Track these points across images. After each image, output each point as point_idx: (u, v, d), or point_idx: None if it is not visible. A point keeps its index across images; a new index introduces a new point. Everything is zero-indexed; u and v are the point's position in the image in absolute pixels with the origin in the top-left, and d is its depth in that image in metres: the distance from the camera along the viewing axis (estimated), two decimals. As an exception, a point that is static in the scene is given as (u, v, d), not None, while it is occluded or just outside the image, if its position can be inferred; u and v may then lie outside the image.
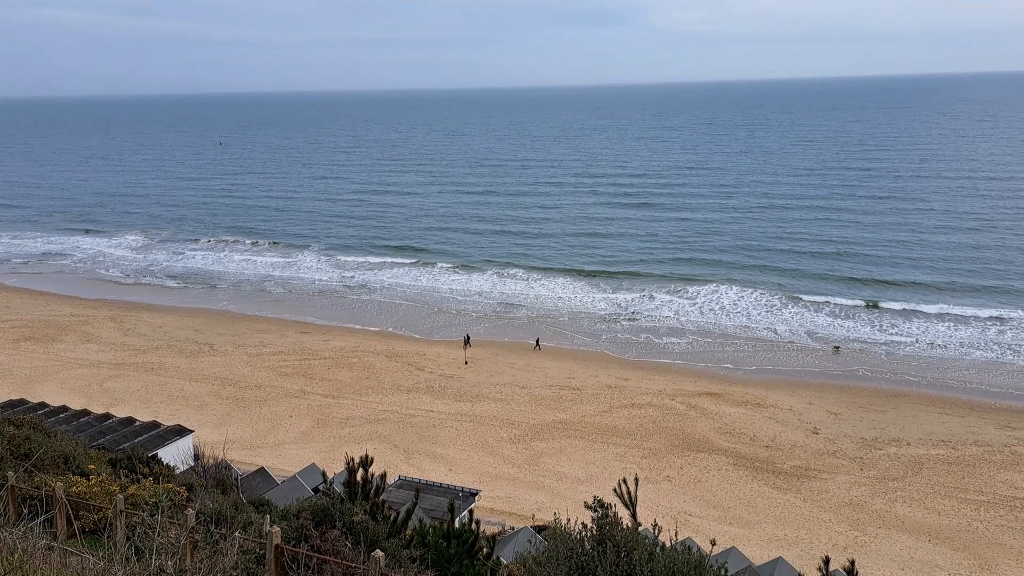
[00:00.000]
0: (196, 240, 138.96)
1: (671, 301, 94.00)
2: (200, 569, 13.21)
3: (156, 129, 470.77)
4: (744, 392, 65.97)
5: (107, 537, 17.27)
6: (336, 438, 58.17)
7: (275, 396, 66.73)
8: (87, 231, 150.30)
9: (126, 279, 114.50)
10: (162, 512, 15.24)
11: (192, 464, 43.92)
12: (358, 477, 20.82)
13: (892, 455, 54.36)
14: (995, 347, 75.64)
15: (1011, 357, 73.28)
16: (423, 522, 21.23)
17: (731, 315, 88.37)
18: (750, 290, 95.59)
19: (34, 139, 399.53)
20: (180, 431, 48.55)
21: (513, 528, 41.54)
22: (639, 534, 13.96)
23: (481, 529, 21.25)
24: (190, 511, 15.33)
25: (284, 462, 52.87)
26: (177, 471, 35.99)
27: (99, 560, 13.46)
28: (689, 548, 14.59)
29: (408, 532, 20.22)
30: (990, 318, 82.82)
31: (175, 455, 44.21)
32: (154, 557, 13.26)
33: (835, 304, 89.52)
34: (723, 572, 14.31)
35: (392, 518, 19.98)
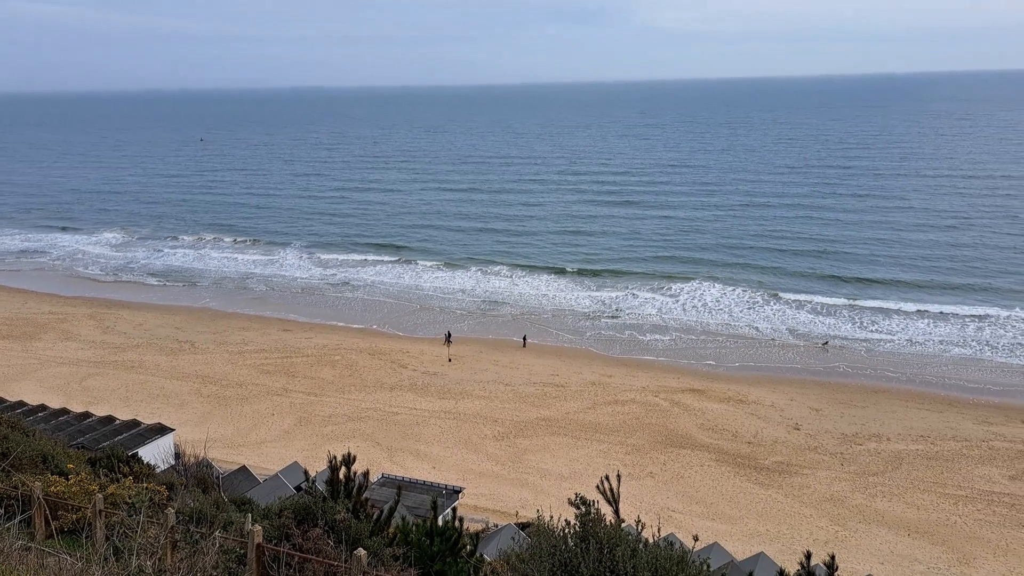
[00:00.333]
0: (176, 237, 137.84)
1: (654, 299, 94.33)
2: (180, 569, 13.09)
3: (136, 125, 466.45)
4: (726, 388, 66.34)
5: (86, 537, 17.09)
6: (319, 436, 57.94)
7: (257, 394, 66.35)
8: (65, 228, 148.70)
9: (105, 277, 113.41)
10: (141, 512, 15.09)
11: (173, 463, 43.60)
12: (340, 475, 20.70)
13: (872, 450, 54.85)
14: (973, 344, 76.50)
15: (989, 354, 74.14)
16: (406, 520, 21.15)
17: (713, 312, 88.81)
18: (732, 288, 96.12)
19: (10, 135, 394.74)
20: (161, 430, 48.23)
21: (497, 525, 41.57)
22: (622, 530, 13.98)
23: (465, 526, 21.21)
24: (170, 510, 15.19)
25: (266, 460, 52.60)
26: (158, 470, 35.72)
27: (77, 560, 13.31)
28: (672, 544, 14.63)
29: (391, 530, 20.14)
30: (968, 315, 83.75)
31: (156, 454, 43.92)
32: (133, 557, 13.12)
33: (816, 301, 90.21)
34: (705, 567, 14.36)
35: (375, 516, 19.89)
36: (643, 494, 48.65)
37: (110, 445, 39.69)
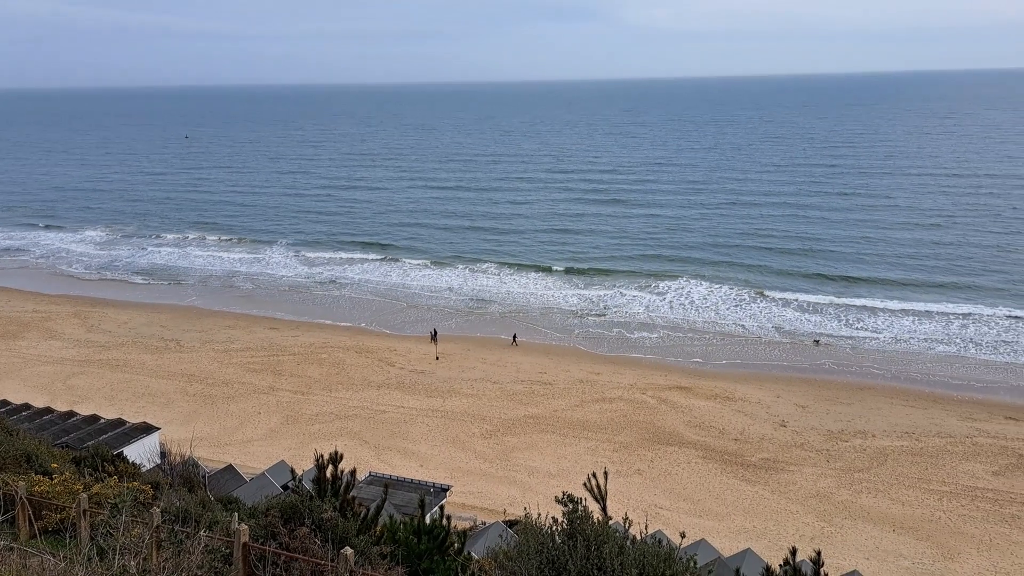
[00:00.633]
0: (161, 235, 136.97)
1: (641, 297, 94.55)
2: (165, 568, 12.99)
3: (120, 122, 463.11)
4: (713, 386, 66.58)
5: (70, 537, 16.95)
6: (305, 435, 57.73)
7: (243, 393, 66.04)
8: (47, 226, 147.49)
9: (89, 275, 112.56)
10: (125, 511, 14.96)
11: (158, 462, 43.29)
12: (327, 474, 20.64)
13: (858, 447, 55.20)
14: (958, 341, 77.09)
15: (973, 351, 74.74)
16: (394, 518, 21.12)
17: (700, 310, 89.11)
18: (719, 286, 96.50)
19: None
20: (146, 429, 47.92)
21: (484, 523, 41.55)
22: (609, 528, 13.98)
23: (452, 524, 21.20)
24: (155, 510, 15.07)
25: (253, 459, 52.37)
26: (143, 469, 35.46)
27: (60, 560, 13.19)
28: (659, 541, 14.65)
29: (378, 528, 20.10)
30: (953, 313, 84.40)
31: (141, 453, 43.64)
32: (117, 557, 13.01)
33: (802, 299, 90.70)
34: (692, 564, 14.38)
35: (362, 515, 19.84)
36: (631, 491, 48.77)
37: (95, 444, 39.38)
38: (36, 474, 23.76)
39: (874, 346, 76.75)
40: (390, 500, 35.03)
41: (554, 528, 13.88)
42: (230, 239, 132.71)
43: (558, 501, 14.41)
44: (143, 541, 13.79)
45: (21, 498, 18.01)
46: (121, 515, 14.82)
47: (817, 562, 19.67)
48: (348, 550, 13.30)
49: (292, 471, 26.37)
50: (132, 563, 12.87)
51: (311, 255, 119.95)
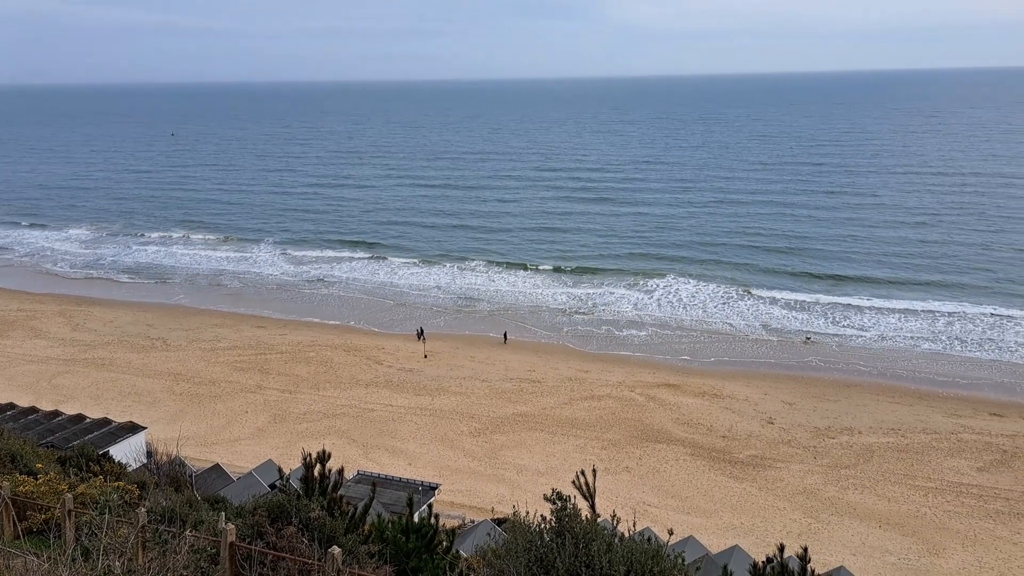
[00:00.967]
0: (147, 234, 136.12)
1: (630, 295, 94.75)
2: (150, 568, 12.90)
3: (105, 120, 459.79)
4: (701, 383, 66.79)
5: (55, 537, 16.82)
6: (293, 433, 57.54)
7: (230, 391, 65.74)
8: (31, 224, 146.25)
9: (74, 273, 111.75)
10: (110, 511, 14.85)
11: (145, 461, 43.05)
12: (315, 473, 20.57)
13: (844, 443, 55.51)
14: (943, 338, 77.64)
15: (959, 348, 75.30)
16: (382, 517, 21.08)
17: (688, 308, 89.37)
18: (707, 284, 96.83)
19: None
20: (132, 428, 47.63)
21: (473, 521, 41.53)
22: (598, 525, 13.99)
23: (441, 523, 21.17)
24: (141, 509, 14.97)
25: (240, 458, 52.15)
26: (129, 469, 35.26)
27: (44, 561, 13.08)
28: (647, 538, 14.67)
29: (366, 527, 20.04)
30: (938, 311, 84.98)
31: (127, 452, 43.37)
32: (102, 557, 12.91)
33: (789, 297, 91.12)
34: (680, 561, 14.41)
35: (350, 513, 19.78)
36: (619, 489, 48.87)
37: (80, 444, 39.14)
38: (21, 474, 23.58)
39: (860, 343, 77.20)
40: (378, 499, 34.96)
41: (542, 526, 13.87)
42: (217, 237, 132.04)
43: (547, 499, 14.41)
44: (128, 541, 13.69)
45: (5, 498, 17.85)
46: (106, 515, 14.71)
47: (804, 558, 19.76)
48: (336, 549, 13.25)
49: (279, 470, 26.23)
50: (117, 563, 12.77)
51: (298, 253, 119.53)
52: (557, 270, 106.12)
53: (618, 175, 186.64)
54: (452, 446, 55.73)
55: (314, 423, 59.53)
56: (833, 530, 45.05)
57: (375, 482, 34.69)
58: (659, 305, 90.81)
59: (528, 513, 14.55)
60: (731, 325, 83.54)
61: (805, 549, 20.22)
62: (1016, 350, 74.17)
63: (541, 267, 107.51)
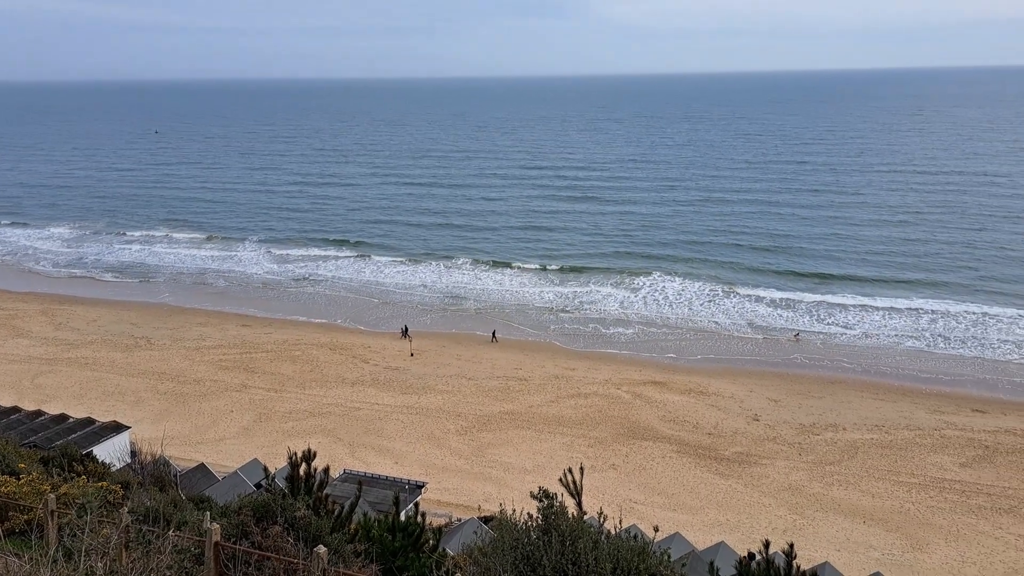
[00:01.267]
0: (130, 232, 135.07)
1: (616, 293, 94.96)
2: (134, 569, 12.79)
3: (88, 117, 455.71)
4: (687, 380, 67.03)
5: (38, 538, 16.63)
6: (279, 432, 57.29)
7: (215, 390, 65.37)
8: (13, 223, 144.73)
9: (57, 272, 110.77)
10: (91, 511, 14.71)
11: (129, 461, 42.71)
12: (301, 472, 20.48)
13: (829, 440, 55.87)
14: (927, 335, 78.28)
15: (942, 345, 75.96)
16: (368, 516, 21.01)
17: (674, 306, 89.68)
18: (692, 282, 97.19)
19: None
20: (116, 428, 47.29)
21: (460, 520, 41.50)
22: (584, 523, 14.00)
23: (427, 521, 21.12)
24: (124, 510, 14.85)
25: (225, 458, 51.88)
26: (113, 469, 34.96)
27: (25, 563, 12.93)
28: (634, 535, 14.70)
29: (353, 526, 19.97)
30: (921, 309, 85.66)
31: (111, 452, 43.03)
32: (84, 558, 12.78)
33: (774, 295, 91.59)
34: (666, 558, 14.44)
35: (336, 512, 19.71)
36: (606, 486, 48.97)
37: (63, 444, 38.78)
38: (2, 474, 23.32)
39: (845, 341, 77.71)
40: (364, 497, 34.88)
41: (529, 524, 13.86)
42: (201, 236, 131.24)
43: (533, 497, 14.41)
44: (111, 542, 13.57)
45: (-14, 499, 17.65)
46: (89, 515, 14.57)
47: (789, 554, 19.85)
48: (321, 548, 13.19)
49: (265, 469, 26.10)
50: (99, 564, 12.65)
51: (283, 252, 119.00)
52: (543, 268, 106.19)
53: (604, 173, 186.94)
54: (439, 444, 55.66)
55: (300, 422, 59.30)
56: (818, 526, 45.34)
57: (361, 481, 34.59)
58: (645, 303, 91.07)
59: (515, 511, 14.54)
60: (716, 323, 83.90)
61: (791, 545, 20.31)
62: (998, 347, 74.91)
63: (527, 265, 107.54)
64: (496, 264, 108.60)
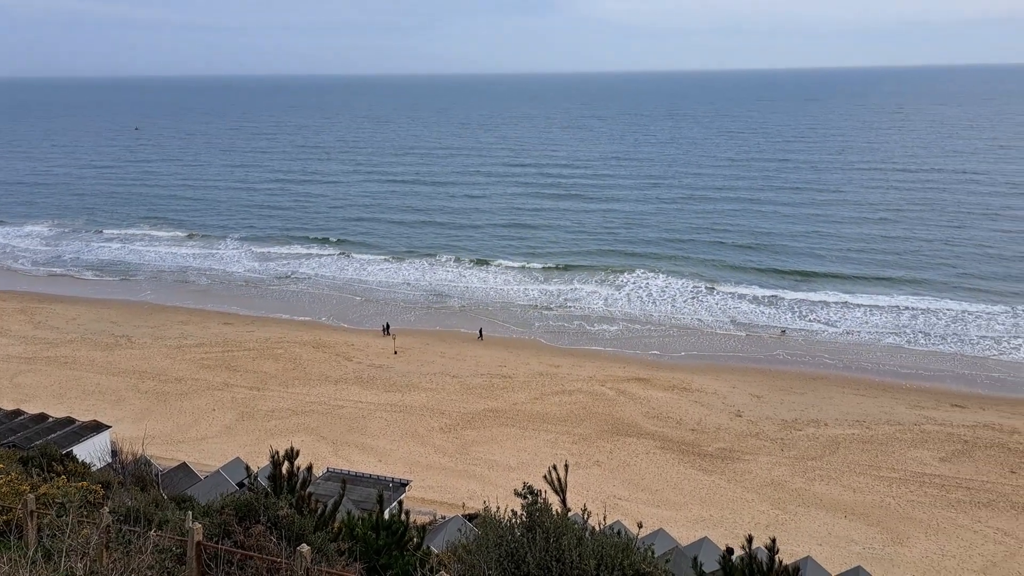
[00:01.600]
0: (110, 230, 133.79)
1: (600, 290, 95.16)
2: (115, 569, 12.67)
3: (67, 113, 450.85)
4: (671, 377, 67.29)
5: (17, 539, 16.46)
6: (262, 431, 56.98)
7: (197, 389, 64.92)
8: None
9: (36, 270, 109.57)
10: (71, 511, 14.56)
11: (109, 461, 42.36)
12: (283, 470, 20.38)
13: (811, 435, 56.28)
14: (907, 332, 79.03)
15: (922, 341, 76.70)
16: (352, 514, 20.92)
17: (658, 303, 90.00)
18: (676, 279, 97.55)
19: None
20: (96, 427, 46.86)
21: (444, 517, 41.45)
22: (569, 519, 14.02)
23: (412, 519, 21.07)
24: (104, 510, 14.71)
25: (207, 457, 51.54)
26: (93, 469, 34.64)
27: (4, 563, 12.79)
28: (618, 532, 14.74)
29: (336, 525, 19.90)
30: (902, 306, 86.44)
31: (91, 452, 42.64)
32: (64, 559, 12.66)
33: (756, 292, 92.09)
34: (650, 554, 14.50)
35: (319, 511, 19.63)
36: (590, 483, 49.08)
37: (43, 443, 38.37)
38: (-20, 475, 23.02)
39: (826, 337, 78.30)
40: (348, 496, 34.74)
41: (513, 521, 13.87)
42: (182, 234, 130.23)
43: (517, 494, 14.41)
44: (91, 542, 13.44)
45: (-37, 500, 17.43)
46: (69, 516, 14.43)
47: (772, 549, 19.96)
48: (304, 547, 13.13)
49: (247, 468, 25.96)
50: (80, 565, 12.52)
51: (265, 250, 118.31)
52: (527, 266, 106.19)
53: (587, 171, 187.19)
54: (423, 442, 55.57)
55: (283, 420, 59.00)
56: (800, 521, 45.67)
57: (345, 479, 34.44)
58: (629, 300, 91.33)
59: (499, 508, 14.54)
60: (700, 320, 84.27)
61: (773, 540, 20.41)
62: (977, 343, 75.75)
63: (511, 263, 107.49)
64: (480, 262, 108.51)
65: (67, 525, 13.74)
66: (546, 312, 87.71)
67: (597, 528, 15.05)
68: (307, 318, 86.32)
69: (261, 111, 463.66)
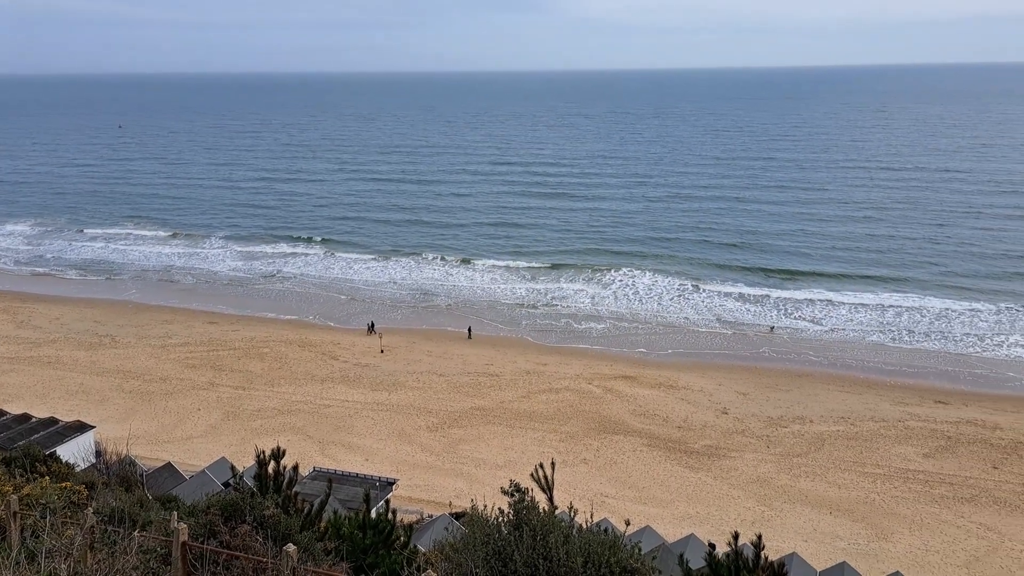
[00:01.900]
0: (93, 229, 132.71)
1: (587, 289, 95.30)
2: (99, 570, 12.57)
3: (50, 111, 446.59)
4: (658, 374, 67.48)
5: (0, 540, 16.28)
6: (247, 431, 56.70)
7: (182, 389, 64.53)
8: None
9: (18, 270, 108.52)
10: (54, 512, 14.44)
11: (94, 461, 42.05)
12: (269, 470, 20.30)
13: (796, 432, 56.60)
14: (891, 329, 79.61)
15: (906, 338, 77.29)
16: (338, 513, 20.86)
17: (644, 301, 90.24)
18: (662, 277, 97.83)
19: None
20: (80, 427, 46.52)
21: (431, 516, 41.42)
22: (555, 517, 14.03)
23: (398, 518, 21.04)
24: (89, 510, 14.59)
25: (192, 457, 51.24)
26: (77, 469, 34.37)
27: (-14, 565, 12.66)
28: (605, 529, 14.76)
29: (323, 524, 19.83)
30: (886, 304, 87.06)
31: (75, 452, 42.35)
32: (47, 560, 12.54)
33: (742, 290, 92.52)
34: (637, 551, 14.53)
35: (306, 511, 19.56)
36: (577, 480, 49.15)
37: (26, 444, 38.04)
38: (-39, 476, 22.80)
39: (812, 335, 78.76)
40: (335, 495, 34.63)
41: (500, 519, 13.87)
42: (166, 233, 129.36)
43: (504, 492, 14.41)
44: (75, 543, 13.33)
45: (-56, 502, 17.23)
46: (52, 516, 14.30)
47: (758, 545, 20.07)
48: (291, 547, 13.07)
49: (233, 468, 25.83)
50: (63, 566, 12.42)
51: (250, 249, 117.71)
52: (514, 265, 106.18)
53: (574, 169, 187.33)
54: (409, 441, 55.48)
55: (268, 420, 58.75)
56: (786, 517, 45.93)
57: (331, 479, 34.34)
58: (616, 298, 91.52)
59: (486, 506, 14.54)
60: (686, 318, 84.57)
61: (759, 536, 20.52)
62: (960, 340, 76.42)
63: (498, 262, 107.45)
64: (466, 260, 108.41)
65: (51, 526, 13.62)
66: (533, 310, 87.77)
67: (584, 526, 15.07)
68: (293, 317, 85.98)
69: (245, 108, 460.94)
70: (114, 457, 41.66)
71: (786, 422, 58.27)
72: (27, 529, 15.82)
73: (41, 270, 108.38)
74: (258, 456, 20.33)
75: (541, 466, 15.33)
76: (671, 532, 41.54)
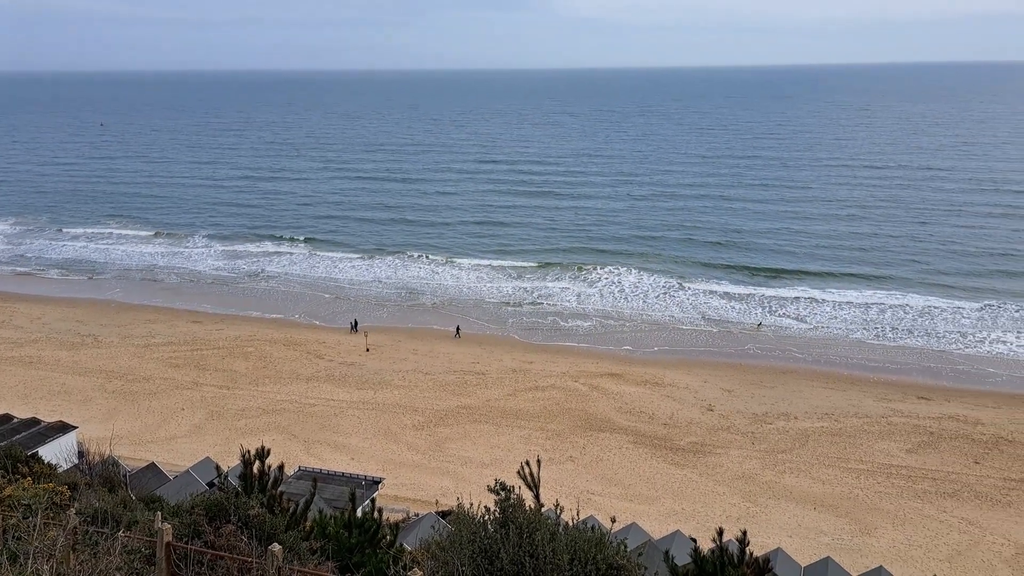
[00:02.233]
0: (74, 228, 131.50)
1: (573, 287, 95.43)
2: (82, 571, 12.46)
3: (31, 109, 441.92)
4: (643, 372, 67.68)
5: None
6: (232, 430, 56.39)
7: (165, 388, 64.09)
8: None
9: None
10: (36, 513, 14.30)
11: (76, 462, 41.68)
12: (254, 469, 20.19)
13: (781, 429, 56.94)
14: (875, 326, 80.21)
15: (890, 335, 77.91)
16: (324, 513, 20.78)
17: (630, 299, 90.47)
18: (647, 276, 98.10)
19: None
20: (62, 428, 46.10)
21: (417, 515, 41.37)
22: (542, 515, 14.04)
23: (384, 517, 21.00)
24: (71, 511, 14.46)
25: (176, 457, 50.91)
26: (60, 470, 34.05)
27: (-33, 568, 12.52)
28: (591, 526, 14.78)
29: (308, 524, 19.76)
30: (869, 301, 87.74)
31: (57, 453, 41.91)
32: (30, 561, 12.42)
33: (727, 288, 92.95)
34: (623, 548, 14.56)
35: (291, 510, 19.48)
36: (563, 478, 49.22)
37: (7, 445, 37.60)
38: (-59, 478, 22.56)
39: (796, 332, 79.23)
40: (320, 494, 34.51)
41: (487, 517, 13.86)
42: (148, 232, 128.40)
43: (491, 490, 14.39)
44: (58, 544, 13.20)
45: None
46: (34, 518, 14.16)
47: (742, 541, 20.17)
48: (276, 547, 13.01)
49: (217, 468, 25.66)
50: (46, 567, 12.30)
51: (233, 247, 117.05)
52: (500, 263, 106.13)
53: (559, 167, 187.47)
54: (395, 440, 55.37)
55: (253, 419, 58.45)
56: (770, 513, 46.19)
57: (316, 478, 34.20)
58: (601, 296, 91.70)
59: (472, 505, 14.52)
60: (671, 316, 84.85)
61: (744, 532, 20.63)
62: (943, 336, 77.11)
63: (484, 260, 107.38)
64: (452, 259, 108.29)
65: (33, 527, 13.48)
66: (519, 309, 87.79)
67: (570, 523, 15.09)
68: (277, 316, 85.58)
69: (228, 107, 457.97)
70: (97, 457, 41.31)
71: (771, 419, 58.60)
72: (9, 531, 15.66)
73: (22, 269, 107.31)
74: (243, 456, 20.22)
75: (527, 464, 15.33)
76: (657, 529, 41.68)
